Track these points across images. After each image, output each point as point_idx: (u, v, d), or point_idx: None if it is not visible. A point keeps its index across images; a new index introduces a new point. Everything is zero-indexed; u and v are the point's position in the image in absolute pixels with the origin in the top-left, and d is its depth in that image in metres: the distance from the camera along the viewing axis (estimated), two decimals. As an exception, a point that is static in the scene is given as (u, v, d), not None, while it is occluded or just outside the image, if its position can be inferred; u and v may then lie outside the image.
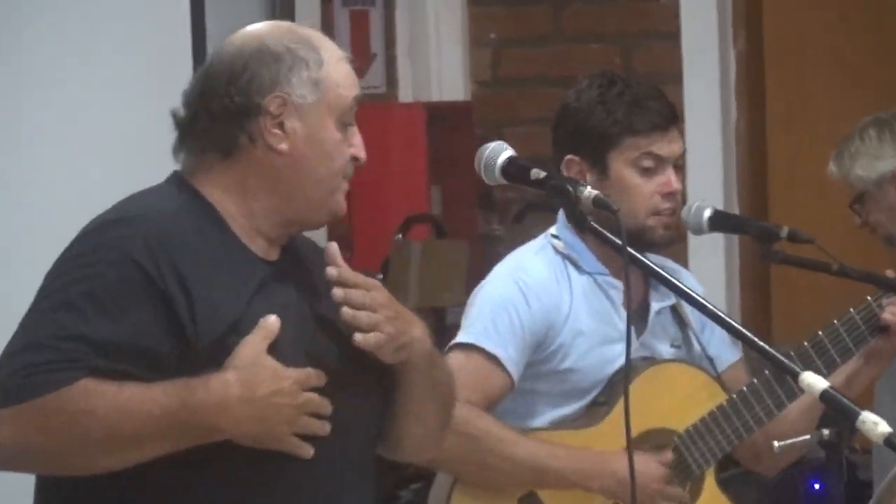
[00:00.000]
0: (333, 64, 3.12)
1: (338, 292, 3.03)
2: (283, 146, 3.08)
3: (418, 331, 3.14)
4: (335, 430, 3.03)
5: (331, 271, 3.04)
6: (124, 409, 2.93)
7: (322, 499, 3.09)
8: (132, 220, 3.04)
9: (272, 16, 5.94)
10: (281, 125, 3.08)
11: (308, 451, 3.00)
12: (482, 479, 3.86)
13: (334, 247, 3.11)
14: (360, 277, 3.08)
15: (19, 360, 2.95)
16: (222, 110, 3.08)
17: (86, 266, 3.01)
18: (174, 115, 3.14)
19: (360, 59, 6.23)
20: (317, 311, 3.12)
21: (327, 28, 6.20)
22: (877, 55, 6.22)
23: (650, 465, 3.79)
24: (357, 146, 3.12)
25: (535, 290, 3.88)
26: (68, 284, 3.00)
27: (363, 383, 3.12)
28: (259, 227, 3.12)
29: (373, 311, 3.04)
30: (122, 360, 2.95)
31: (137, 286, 2.97)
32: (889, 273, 3.93)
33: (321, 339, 3.10)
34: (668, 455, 3.85)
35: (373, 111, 6.23)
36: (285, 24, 3.22)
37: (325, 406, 3.01)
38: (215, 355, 2.97)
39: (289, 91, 3.08)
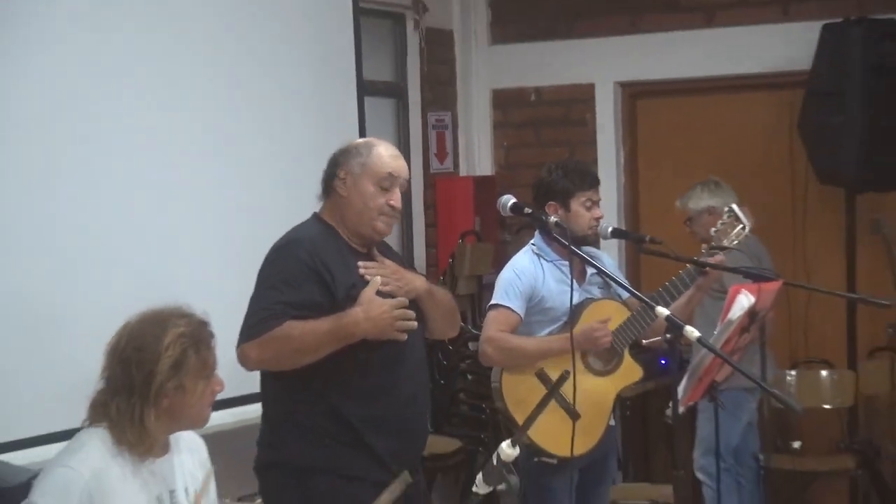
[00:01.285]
0: (375, 156, 3.10)
1: (360, 269, 3.06)
2: (344, 193, 3.10)
3: (419, 281, 3.15)
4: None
5: (360, 267, 3.04)
6: (309, 332, 2.96)
7: (407, 352, 3.09)
8: (298, 242, 3.06)
9: (397, 132, 5.93)
10: (344, 182, 3.10)
11: (403, 336, 3.04)
12: (515, 365, 3.80)
13: (377, 255, 3.12)
14: (375, 263, 3.08)
15: (254, 317, 2.99)
16: (330, 177, 3.13)
17: (279, 265, 3.03)
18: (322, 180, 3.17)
19: (441, 155, 6.26)
20: None
21: (424, 140, 6.13)
22: (699, 151, 6.13)
23: (590, 326, 3.74)
24: (394, 199, 3.09)
25: (523, 272, 3.84)
26: (272, 276, 3.02)
27: (412, 307, 3.12)
28: (350, 236, 3.13)
29: (385, 277, 3.04)
30: (304, 310, 2.98)
31: (307, 273, 3.00)
32: (703, 249, 3.91)
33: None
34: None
35: (448, 182, 6.28)
36: (362, 138, 3.26)
37: (411, 314, 3.05)
38: (346, 301, 3.00)
39: (349, 167, 3.10)
